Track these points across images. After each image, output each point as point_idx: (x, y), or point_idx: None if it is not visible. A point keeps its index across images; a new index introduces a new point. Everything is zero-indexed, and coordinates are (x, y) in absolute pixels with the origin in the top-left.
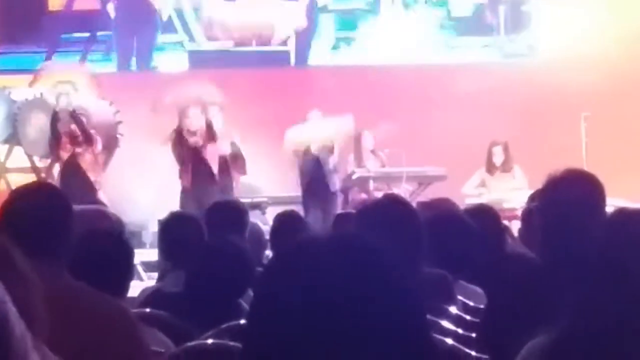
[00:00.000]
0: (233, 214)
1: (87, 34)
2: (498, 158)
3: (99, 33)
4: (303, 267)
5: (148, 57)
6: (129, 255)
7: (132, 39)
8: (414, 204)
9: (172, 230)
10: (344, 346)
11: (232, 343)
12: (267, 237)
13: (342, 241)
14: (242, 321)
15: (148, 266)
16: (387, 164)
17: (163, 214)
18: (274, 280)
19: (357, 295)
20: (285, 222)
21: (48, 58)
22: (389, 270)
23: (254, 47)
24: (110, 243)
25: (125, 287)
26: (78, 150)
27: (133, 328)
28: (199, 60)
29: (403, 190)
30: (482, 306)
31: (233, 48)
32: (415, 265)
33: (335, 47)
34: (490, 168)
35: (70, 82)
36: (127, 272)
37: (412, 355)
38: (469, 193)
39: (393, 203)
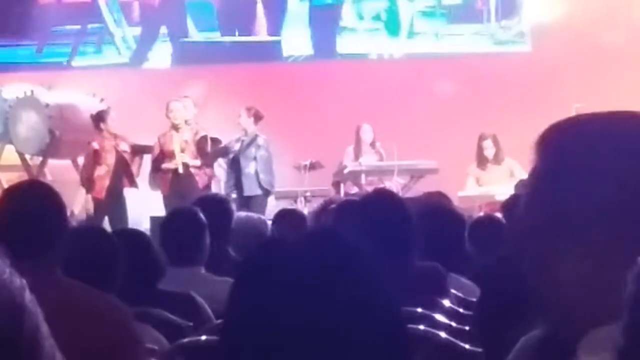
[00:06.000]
0: (217, 207)
1: (77, 27)
2: (489, 151)
3: (89, 25)
4: (276, 265)
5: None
6: (114, 249)
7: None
8: (405, 197)
9: (172, 225)
10: (317, 344)
11: None
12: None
13: (316, 239)
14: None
15: None
16: (385, 157)
17: (155, 211)
18: (248, 278)
19: (329, 293)
20: (286, 219)
21: (39, 51)
22: (362, 268)
23: (244, 38)
24: (93, 238)
25: (113, 281)
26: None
27: (127, 324)
28: (189, 52)
29: (395, 183)
30: (474, 299)
31: (222, 39)
32: (406, 259)
33: (325, 37)
34: (482, 161)
35: None
36: (112, 265)
37: (386, 354)
38: (466, 194)
39: (382, 197)
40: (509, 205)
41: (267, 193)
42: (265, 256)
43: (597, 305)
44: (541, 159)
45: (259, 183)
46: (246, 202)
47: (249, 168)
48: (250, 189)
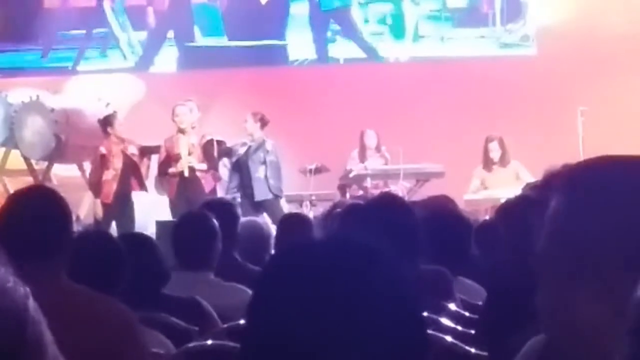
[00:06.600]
0: (224, 211)
1: (83, 31)
2: (495, 154)
3: (95, 30)
4: (301, 269)
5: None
6: (119, 254)
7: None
8: (411, 201)
9: (184, 229)
10: (341, 347)
11: (231, 344)
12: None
13: (339, 244)
14: (242, 322)
15: None
16: (391, 161)
17: (161, 215)
18: (272, 282)
19: (354, 296)
20: (292, 224)
21: (44, 55)
22: (386, 272)
23: (250, 42)
24: (98, 243)
25: (118, 286)
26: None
27: (133, 329)
28: (195, 56)
29: (400, 187)
30: (480, 302)
31: (229, 43)
32: (411, 262)
33: (330, 41)
34: (488, 164)
35: None
36: (117, 270)
37: (409, 355)
38: (472, 197)
39: (387, 201)
40: (506, 209)
41: (277, 197)
42: (288, 261)
43: (612, 347)
44: (565, 198)
45: (269, 188)
46: (257, 207)
47: (259, 173)
48: (262, 193)
